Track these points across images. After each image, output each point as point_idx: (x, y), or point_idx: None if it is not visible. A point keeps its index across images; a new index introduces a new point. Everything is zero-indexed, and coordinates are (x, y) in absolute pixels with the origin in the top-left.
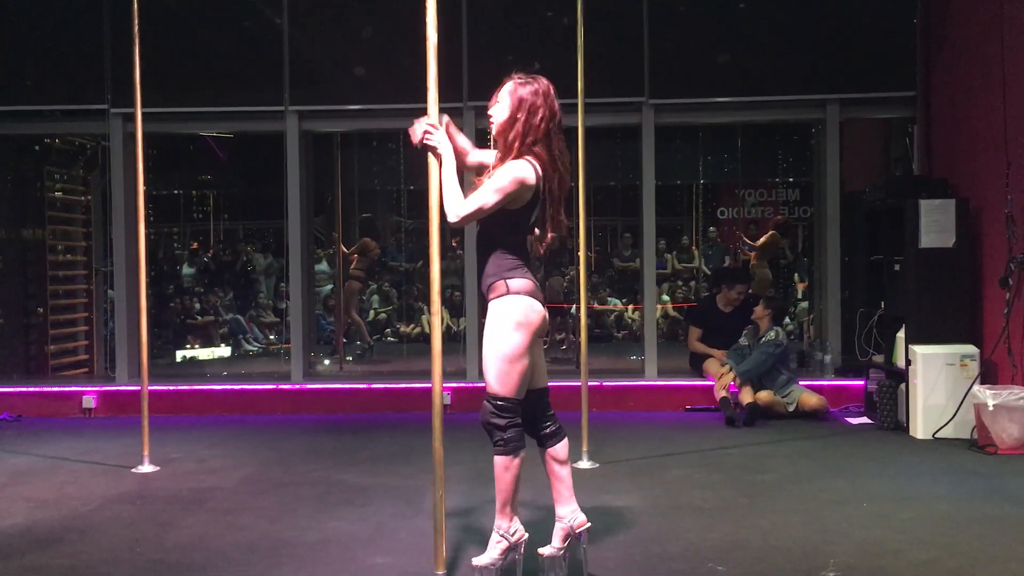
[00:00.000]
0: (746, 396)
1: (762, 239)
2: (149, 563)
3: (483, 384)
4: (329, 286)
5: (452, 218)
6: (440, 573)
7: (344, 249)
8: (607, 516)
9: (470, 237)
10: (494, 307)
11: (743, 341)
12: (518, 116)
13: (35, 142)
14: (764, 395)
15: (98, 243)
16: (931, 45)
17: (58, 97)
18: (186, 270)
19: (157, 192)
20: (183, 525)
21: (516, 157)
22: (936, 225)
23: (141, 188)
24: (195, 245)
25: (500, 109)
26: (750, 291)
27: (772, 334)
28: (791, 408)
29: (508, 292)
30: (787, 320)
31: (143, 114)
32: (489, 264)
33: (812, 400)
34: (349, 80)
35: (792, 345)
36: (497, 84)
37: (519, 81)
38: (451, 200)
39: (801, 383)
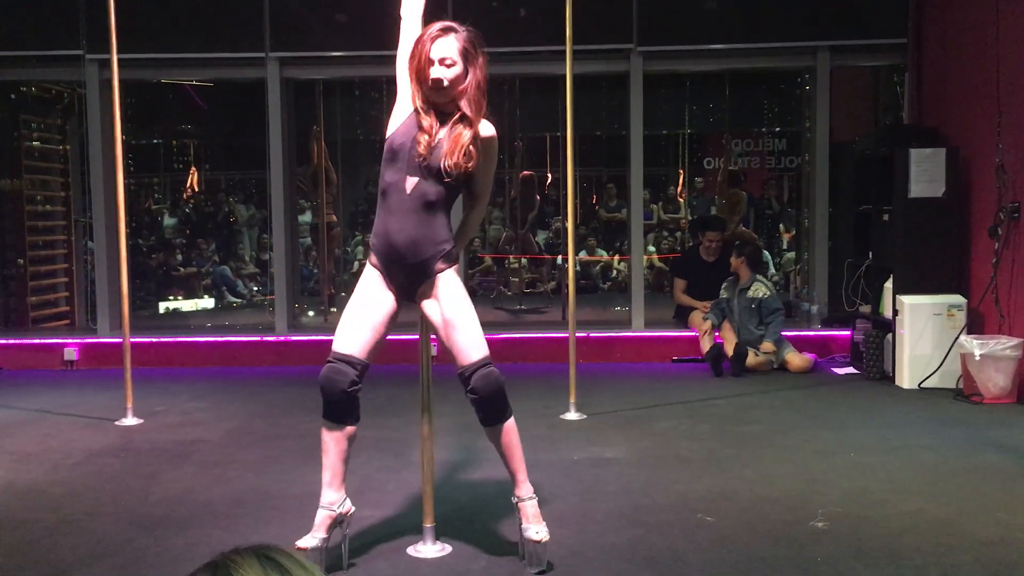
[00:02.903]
0: (731, 346)
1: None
2: (134, 516)
3: None
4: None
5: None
6: (429, 526)
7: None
8: (595, 467)
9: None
10: (451, 276)
11: (723, 294)
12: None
13: (10, 90)
14: (749, 357)
15: (77, 193)
16: None
17: (32, 42)
18: (167, 220)
19: (136, 142)
20: (168, 478)
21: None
22: (926, 174)
23: (119, 137)
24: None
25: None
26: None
27: (763, 291)
28: (775, 365)
29: (457, 261)
30: (770, 268)
31: (119, 60)
32: (439, 229)
33: (797, 361)
34: (331, 26)
35: (778, 295)
36: (482, 33)
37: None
38: None
39: (786, 334)
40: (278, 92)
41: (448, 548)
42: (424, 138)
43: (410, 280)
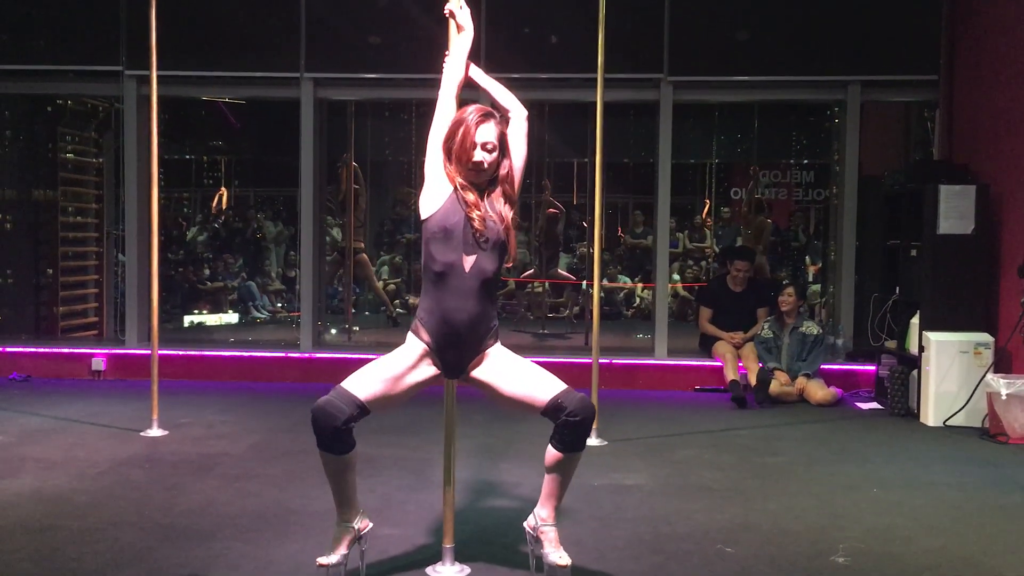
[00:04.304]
0: (755, 376)
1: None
2: (157, 527)
3: None
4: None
5: (524, 112)
6: (448, 546)
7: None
8: (616, 494)
9: None
10: (499, 346)
11: (766, 333)
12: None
13: (48, 103)
14: (773, 385)
15: (109, 206)
16: (956, 28)
17: (72, 57)
18: (197, 235)
19: (168, 156)
20: (191, 490)
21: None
22: (955, 211)
23: (155, 152)
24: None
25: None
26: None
27: (816, 329)
28: (797, 396)
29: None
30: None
31: (157, 77)
32: (491, 307)
33: (819, 394)
34: (365, 48)
35: None
36: (513, 59)
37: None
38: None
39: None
40: (311, 112)
41: (467, 569)
42: (476, 213)
43: (460, 357)
